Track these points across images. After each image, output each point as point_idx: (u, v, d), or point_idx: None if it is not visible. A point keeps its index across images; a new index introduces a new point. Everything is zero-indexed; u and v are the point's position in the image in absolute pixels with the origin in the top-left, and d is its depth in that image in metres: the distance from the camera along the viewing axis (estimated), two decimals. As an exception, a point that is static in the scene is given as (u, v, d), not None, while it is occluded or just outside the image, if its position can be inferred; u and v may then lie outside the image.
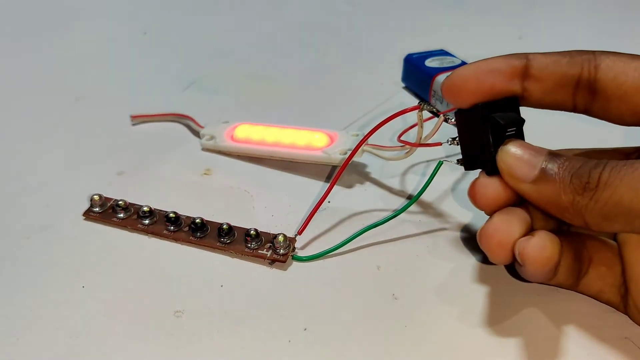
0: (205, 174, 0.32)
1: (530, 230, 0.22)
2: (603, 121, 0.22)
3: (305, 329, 0.22)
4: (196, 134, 0.35)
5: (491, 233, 0.22)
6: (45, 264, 0.25)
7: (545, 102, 0.22)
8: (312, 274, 0.25)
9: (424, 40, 0.47)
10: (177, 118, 0.36)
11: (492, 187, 0.23)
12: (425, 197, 0.30)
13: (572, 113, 0.23)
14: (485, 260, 0.25)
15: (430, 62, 0.39)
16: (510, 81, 0.22)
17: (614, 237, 0.23)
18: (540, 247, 0.21)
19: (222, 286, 0.24)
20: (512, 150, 0.21)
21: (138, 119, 0.36)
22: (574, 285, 0.23)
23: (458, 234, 0.27)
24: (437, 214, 0.29)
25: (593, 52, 0.21)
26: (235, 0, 0.58)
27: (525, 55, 0.22)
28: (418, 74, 0.39)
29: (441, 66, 0.38)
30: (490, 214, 0.23)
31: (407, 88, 0.41)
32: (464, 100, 0.22)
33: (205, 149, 0.34)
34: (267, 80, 0.43)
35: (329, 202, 0.29)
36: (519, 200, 0.23)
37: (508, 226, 0.22)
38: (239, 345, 0.22)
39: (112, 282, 0.24)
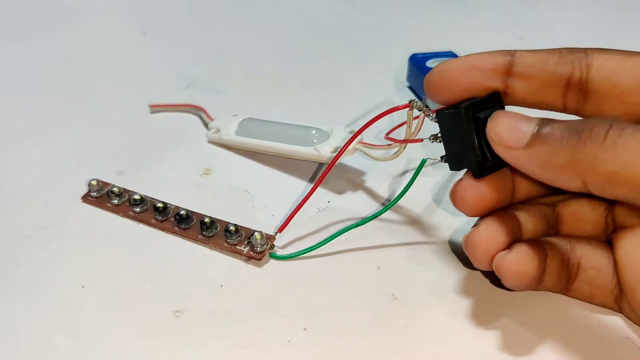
0: (205, 174, 0.32)
1: (518, 236, 0.22)
2: None
3: (305, 329, 0.22)
4: (207, 126, 0.35)
5: (477, 243, 0.22)
6: (45, 263, 0.25)
7: (531, 101, 0.21)
8: (311, 274, 0.25)
9: (430, 39, 0.47)
10: (191, 109, 0.37)
11: (473, 191, 0.22)
12: (426, 196, 0.30)
13: (563, 114, 0.21)
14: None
15: (432, 63, 0.39)
16: (490, 78, 0.21)
17: (608, 239, 0.23)
18: (516, 263, 0.21)
19: (221, 286, 0.24)
20: (502, 119, 0.20)
21: (156, 108, 0.37)
22: (565, 290, 0.23)
23: (459, 234, 0.27)
24: (439, 214, 0.29)
25: (585, 49, 0.20)
26: (235, 0, 0.58)
27: (512, 53, 0.21)
28: (420, 74, 0.39)
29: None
30: (472, 216, 0.23)
31: (411, 88, 0.41)
32: (442, 96, 0.22)
33: (211, 142, 0.34)
34: (268, 80, 0.43)
35: (328, 202, 0.29)
36: (500, 205, 0.23)
37: (494, 236, 0.22)
38: (238, 345, 0.22)
39: (112, 282, 0.24)
